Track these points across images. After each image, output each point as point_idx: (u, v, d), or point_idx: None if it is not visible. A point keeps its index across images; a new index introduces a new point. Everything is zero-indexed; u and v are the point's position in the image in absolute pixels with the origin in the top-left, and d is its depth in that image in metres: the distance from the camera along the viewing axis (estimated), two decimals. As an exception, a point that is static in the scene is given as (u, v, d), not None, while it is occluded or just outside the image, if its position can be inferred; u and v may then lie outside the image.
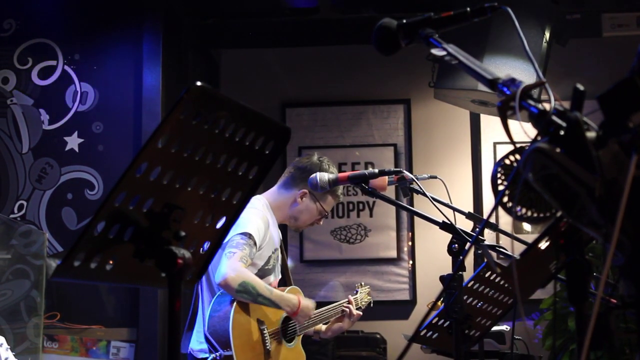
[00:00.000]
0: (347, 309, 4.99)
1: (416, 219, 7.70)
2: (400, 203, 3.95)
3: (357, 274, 7.67)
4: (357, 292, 5.25)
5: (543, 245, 2.57)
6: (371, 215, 7.91)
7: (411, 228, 7.84)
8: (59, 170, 6.67)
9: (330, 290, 7.71)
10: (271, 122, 2.26)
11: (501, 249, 3.61)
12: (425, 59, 6.65)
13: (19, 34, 6.79)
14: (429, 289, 7.62)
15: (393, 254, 7.84)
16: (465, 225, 3.68)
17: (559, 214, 1.83)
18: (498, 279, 3.47)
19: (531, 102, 1.76)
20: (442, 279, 3.40)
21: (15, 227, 6.48)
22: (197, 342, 4.46)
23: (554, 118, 1.70)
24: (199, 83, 1.99)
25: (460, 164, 7.84)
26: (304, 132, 7.93)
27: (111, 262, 2.05)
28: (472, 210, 4.29)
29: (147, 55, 6.68)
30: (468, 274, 3.38)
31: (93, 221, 1.97)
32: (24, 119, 6.72)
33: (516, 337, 5.82)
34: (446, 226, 3.54)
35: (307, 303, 4.64)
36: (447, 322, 3.50)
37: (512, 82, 1.83)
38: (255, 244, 4.40)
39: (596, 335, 1.94)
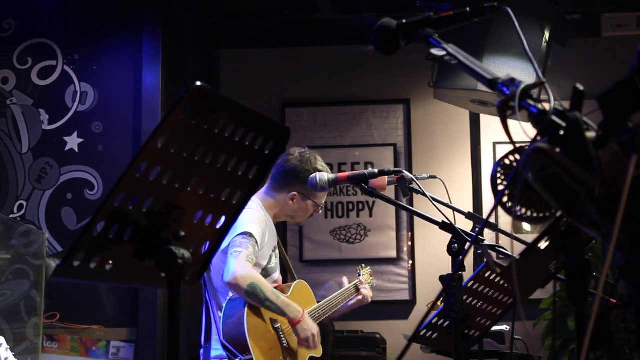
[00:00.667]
0: (362, 291, 5.07)
1: (416, 219, 7.70)
2: (400, 203, 3.96)
3: (356, 273, 7.67)
4: (359, 274, 5.27)
5: (543, 245, 2.57)
6: (371, 215, 7.91)
7: (411, 228, 7.85)
8: (59, 170, 6.66)
9: (328, 290, 7.71)
10: (271, 122, 2.26)
11: (501, 249, 3.61)
12: (425, 58, 6.66)
13: (19, 34, 6.78)
14: (428, 289, 7.62)
15: (393, 254, 7.84)
16: (465, 225, 3.68)
17: (558, 214, 1.83)
18: (498, 279, 3.47)
19: (531, 102, 1.76)
20: (442, 279, 3.40)
21: (15, 227, 6.48)
22: (213, 350, 4.46)
23: (554, 118, 1.70)
24: (198, 83, 1.99)
25: (460, 164, 7.84)
26: (303, 132, 7.92)
27: (111, 262, 2.04)
28: (471, 210, 4.29)
29: (147, 55, 6.67)
30: (468, 274, 3.38)
31: (93, 221, 1.97)
32: (23, 119, 6.72)
33: (516, 337, 5.82)
34: (446, 226, 3.54)
35: (311, 323, 4.62)
36: (447, 322, 3.50)
37: (512, 82, 1.83)
38: (257, 242, 4.41)
39: (596, 335, 1.94)
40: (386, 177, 3.84)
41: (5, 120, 6.71)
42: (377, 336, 7.28)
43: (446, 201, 3.85)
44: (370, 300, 5.17)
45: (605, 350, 2.14)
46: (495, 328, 4.90)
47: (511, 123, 1.78)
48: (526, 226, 7.45)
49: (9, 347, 5.02)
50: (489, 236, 7.12)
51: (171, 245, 2.07)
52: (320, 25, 7.83)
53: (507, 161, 1.82)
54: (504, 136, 1.77)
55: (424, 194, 3.76)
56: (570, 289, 2.27)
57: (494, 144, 7.81)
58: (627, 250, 1.66)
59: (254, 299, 4.31)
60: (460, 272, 3.35)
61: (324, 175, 3.98)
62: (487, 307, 3.60)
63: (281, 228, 7.28)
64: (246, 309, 4.33)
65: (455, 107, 7.13)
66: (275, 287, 4.56)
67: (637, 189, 1.59)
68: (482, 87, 5.92)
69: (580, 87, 1.72)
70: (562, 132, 1.68)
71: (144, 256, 2.06)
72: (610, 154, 1.63)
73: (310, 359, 4.71)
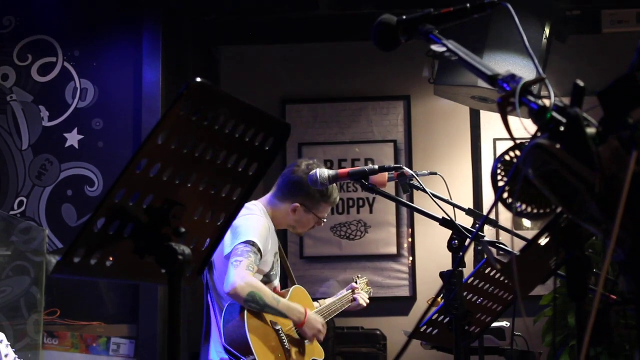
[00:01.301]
0: (357, 298, 5.07)
1: (416, 215, 7.70)
2: (401, 199, 3.95)
3: (357, 270, 7.66)
4: (356, 282, 5.27)
5: (543, 241, 2.57)
6: (371, 212, 7.91)
7: (411, 224, 7.85)
8: (59, 166, 6.67)
9: (329, 288, 7.71)
10: (271, 118, 2.26)
11: (501, 246, 3.61)
12: (426, 55, 6.66)
13: (19, 31, 6.78)
14: (429, 286, 7.62)
15: (393, 250, 7.84)
16: (466, 221, 3.68)
17: (559, 210, 1.83)
18: (498, 275, 3.47)
19: (531, 99, 1.76)
20: (442, 275, 3.40)
21: (15, 223, 6.48)
22: (215, 353, 4.46)
23: (554, 114, 1.70)
24: (198, 79, 1.99)
25: (460, 160, 7.84)
26: (303, 129, 7.92)
27: (111, 258, 2.04)
28: (472, 207, 4.28)
29: (147, 51, 6.67)
30: (468, 270, 3.38)
31: (93, 218, 1.97)
32: (23, 115, 6.72)
33: (516, 333, 5.82)
34: (446, 222, 3.54)
35: (316, 316, 4.64)
36: (447, 319, 3.50)
37: (512, 78, 1.83)
38: (259, 251, 4.40)
39: (596, 331, 1.94)
40: (386, 173, 3.83)
41: (5, 117, 6.71)
42: (378, 332, 7.28)
43: (446, 197, 3.85)
44: (365, 305, 5.16)
45: (606, 346, 2.15)
46: (495, 324, 4.91)
47: (511, 119, 1.78)
48: (526, 222, 7.45)
49: (9, 343, 5.02)
50: (489, 232, 7.12)
51: (171, 242, 2.07)
52: (320, 22, 7.82)
53: (507, 157, 1.82)
54: (504, 132, 1.78)
55: (424, 191, 3.76)
56: (570, 286, 2.27)
57: (494, 140, 7.81)
58: (627, 246, 1.66)
59: (254, 307, 4.32)
60: (460, 269, 3.35)
61: (324, 171, 3.97)
62: (487, 304, 3.60)
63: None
64: (246, 311, 4.34)
65: (456, 104, 7.13)
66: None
67: (638, 185, 1.59)
68: (482, 83, 5.91)
69: (581, 84, 1.72)
70: (562, 129, 1.68)
71: (145, 253, 2.06)
72: (610, 150, 1.63)
73: None
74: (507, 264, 3.31)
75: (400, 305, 7.76)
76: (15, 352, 5.00)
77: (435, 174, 4.17)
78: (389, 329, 7.34)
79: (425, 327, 3.56)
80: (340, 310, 5.06)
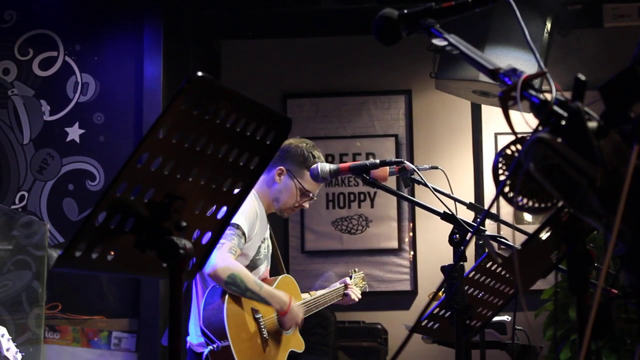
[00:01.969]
0: (349, 294, 5.06)
1: (417, 209, 7.71)
2: (402, 193, 3.95)
3: (358, 264, 7.66)
4: (352, 277, 5.25)
5: (544, 235, 2.57)
6: (372, 206, 7.91)
7: (412, 218, 7.85)
8: (60, 161, 6.67)
9: (327, 280, 7.71)
10: (272, 112, 2.26)
11: (502, 240, 3.61)
12: (427, 49, 6.66)
13: (20, 25, 6.78)
14: (430, 280, 7.63)
15: (394, 244, 7.84)
16: (467, 215, 3.69)
17: (560, 204, 1.83)
18: (499, 269, 3.47)
19: (532, 92, 1.76)
20: (443, 269, 3.40)
21: (17, 218, 6.49)
22: (195, 336, 4.46)
23: (555, 108, 1.70)
24: (200, 73, 1.99)
25: (462, 154, 7.84)
26: (304, 123, 7.92)
27: (112, 252, 2.05)
28: (473, 201, 4.29)
29: (148, 46, 6.68)
30: (469, 264, 3.38)
31: (94, 212, 1.97)
32: (25, 110, 6.72)
33: (517, 327, 5.83)
34: (447, 217, 3.54)
35: (299, 309, 4.64)
36: (448, 313, 3.50)
37: (514, 72, 1.83)
38: (243, 234, 4.40)
39: (597, 325, 1.94)
40: (387, 167, 3.83)
41: (6, 111, 6.72)
42: (379, 326, 7.28)
43: (447, 192, 3.86)
44: (357, 301, 5.14)
45: (607, 340, 2.15)
46: (496, 318, 4.90)
47: (513, 113, 1.78)
48: (527, 216, 7.45)
49: (10, 337, 5.03)
50: (490, 227, 7.13)
51: (172, 236, 2.07)
52: (322, 16, 7.82)
53: (508, 151, 1.82)
54: (505, 126, 1.77)
55: (425, 185, 3.77)
56: (571, 280, 2.27)
57: (496, 134, 7.81)
58: (628, 240, 1.66)
59: (234, 290, 4.31)
60: (461, 263, 3.35)
61: (326, 165, 3.97)
62: (488, 298, 3.60)
63: (283, 219, 7.27)
64: (227, 296, 4.34)
65: (457, 98, 7.13)
66: (262, 280, 4.55)
67: (639, 179, 1.59)
68: (483, 77, 5.91)
69: (582, 77, 1.72)
70: (563, 123, 1.68)
71: (146, 246, 2.06)
72: (611, 144, 1.63)
73: (290, 353, 4.71)
74: (508, 258, 3.31)
75: (401, 299, 7.77)
76: (17, 346, 5.01)
77: (437, 168, 4.17)
78: (389, 323, 7.34)
79: (426, 321, 3.56)
80: (329, 304, 5.05)
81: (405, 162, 3.93)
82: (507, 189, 1.81)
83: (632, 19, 7.29)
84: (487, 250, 3.47)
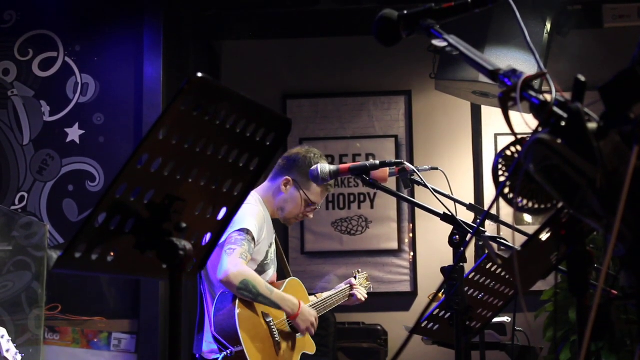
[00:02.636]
0: (355, 294, 5.07)
1: (417, 210, 7.71)
2: (401, 194, 3.95)
3: (358, 265, 7.66)
4: (356, 277, 5.26)
5: (544, 236, 2.57)
6: (372, 207, 7.91)
7: (412, 219, 7.85)
8: (60, 161, 6.67)
9: (328, 282, 7.72)
10: (272, 113, 2.26)
11: (502, 241, 3.61)
12: (427, 50, 6.66)
13: (20, 26, 6.78)
14: (429, 281, 7.63)
15: (394, 245, 7.84)
16: (466, 216, 3.68)
17: (560, 205, 1.83)
18: (499, 270, 3.47)
19: (532, 93, 1.76)
20: (443, 270, 3.40)
21: (17, 218, 6.48)
22: (206, 344, 4.46)
23: (555, 109, 1.70)
24: (200, 74, 1.99)
25: (461, 155, 7.84)
26: (304, 124, 7.93)
27: (112, 253, 2.05)
28: (473, 202, 4.29)
29: (148, 46, 6.67)
30: (469, 265, 3.38)
31: (94, 213, 1.97)
32: (24, 110, 6.72)
33: (517, 328, 5.83)
34: (447, 217, 3.54)
35: (310, 309, 4.64)
36: (448, 314, 3.50)
37: (513, 73, 1.83)
38: (253, 239, 4.40)
39: (597, 326, 1.94)
40: (387, 168, 3.83)
41: (6, 112, 6.72)
42: (379, 328, 7.29)
43: (447, 193, 3.86)
44: (363, 301, 5.15)
45: (607, 341, 2.15)
46: (496, 319, 4.91)
47: (512, 114, 1.78)
48: (527, 217, 7.45)
49: (10, 338, 5.02)
50: (490, 228, 7.13)
51: (172, 237, 2.07)
52: (322, 16, 7.82)
53: (508, 152, 1.82)
54: (505, 127, 1.77)
55: (425, 186, 3.76)
56: (571, 281, 2.27)
57: (495, 135, 7.81)
58: (628, 241, 1.66)
59: (246, 296, 4.31)
60: (461, 264, 3.35)
61: (325, 166, 3.97)
62: (488, 299, 3.60)
63: (282, 219, 7.28)
64: (237, 301, 4.33)
65: (457, 99, 7.13)
66: (270, 284, 4.55)
67: (639, 180, 1.59)
68: (483, 78, 5.92)
69: (582, 78, 1.72)
70: (563, 123, 1.68)
71: (146, 248, 2.06)
72: (611, 145, 1.63)
73: (303, 355, 4.71)
74: (508, 259, 3.31)
75: (401, 301, 7.77)
76: (17, 347, 5.01)
77: (436, 169, 4.17)
78: (389, 324, 7.35)
79: (426, 322, 3.56)
80: (336, 305, 5.05)
81: (405, 163, 3.92)
82: (507, 190, 1.80)
83: (632, 19, 7.29)
84: (487, 252, 3.47)
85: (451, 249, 3.49)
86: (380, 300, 7.48)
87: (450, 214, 3.53)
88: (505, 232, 6.86)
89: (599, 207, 1.65)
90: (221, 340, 4.28)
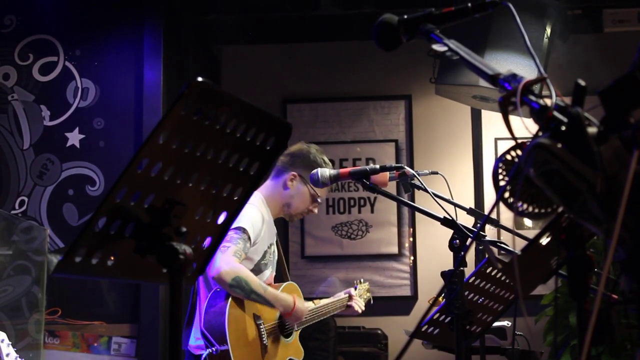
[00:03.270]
0: (352, 305, 5.05)
1: (417, 214, 7.70)
2: (402, 199, 3.95)
3: (358, 269, 7.68)
4: (356, 288, 5.25)
5: (544, 241, 2.57)
6: (372, 211, 7.91)
7: (412, 224, 7.85)
8: (60, 166, 6.67)
9: (330, 285, 7.72)
10: (272, 118, 2.26)
11: (502, 245, 3.61)
12: (427, 54, 6.66)
13: (20, 30, 6.79)
14: (430, 285, 7.63)
15: (394, 249, 7.84)
16: (467, 221, 3.68)
17: (560, 209, 1.83)
18: (499, 274, 3.47)
19: (532, 98, 1.76)
20: (443, 274, 3.39)
21: (17, 223, 6.48)
22: (194, 338, 4.46)
23: (555, 113, 1.70)
24: (200, 79, 1.99)
25: (462, 159, 7.84)
26: (304, 128, 7.93)
27: (112, 258, 2.05)
28: (473, 206, 4.30)
29: (148, 51, 6.68)
30: (469, 269, 3.38)
31: (94, 217, 1.97)
32: (25, 115, 6.72)
33: (517, 332, 5.82)
34: (447, 222, 3.54)
35: (302, 307, 4.64)
36: (449, 318, 3.49)
37: (513, 77, 1.83)
38: (249, 238, 4.40)
39: (597, 330, 1.94)
40: (387, 172, 3.83)
41: (6, 116, 6.72)
42: (379, 332, 7.28)
43: (447, 197, 3.85)
44: (360, 312, 5.14)
45: (607, 345, 2.15)
46: (496, 324, 4.91)
47: (513, 119, 1.78)
48: (527, 222, 7.45)
49: (10, 343, 5.02)
50: (490, 232, 7.12)
51: (173, 241, 2.07)
52: (321, 21, 7.82)
53: (508, 157, 1.82)
54: (505, 132, 1.77)
55: (425, 190, 3.76)
56: (571, 285, 2.27)
57: (496, 139, 7.81)
58: (628, 245, 1.66)
59: (239, 293, 4.32)
60: (461, 268, 3.35)
61: (326, 170, 3.97)
62: (488, 303, 3.60)
63: (282, 224, 7.27)
64: (230, 300, 4.34)
65: (457, 103, 7.13)
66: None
67: (639, 185, 1.59)
68: (483, 82, 5.92)
69: (582, 83, 1.72)
70: (563, 128, 1.68)
71: (146, 252, 2.06)
72: (611, 150, 1.63)
73: None
74: (508, 264, 3.31)
75: (402, 305, 7.76)
76: (17, 352, 5.01)
77: (437, 173, 4.17)
78: (390, 329, 7.34)
79: (426, 326, 3.56)
80: (333, 313, 5.05)
81: (405, 167, 3.92)
82: (507, 195, 1.80)
83: (632, 24, 7.29)
84: (487, 256, 3.47)
85: (451, 253, 3.49)
86: (381, 305, 7.47)
87: (450, 218, 3.53)
88: (506, 237, 6.85)
89: (599, 211, 1.66)
90: (208, 336, 4.28)
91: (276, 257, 4.82)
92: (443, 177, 4.09)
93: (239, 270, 4.31)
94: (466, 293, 3.40)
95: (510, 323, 5.58)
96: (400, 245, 7.84)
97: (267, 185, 4.83)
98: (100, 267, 2.02)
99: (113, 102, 6.73)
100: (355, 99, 8.02)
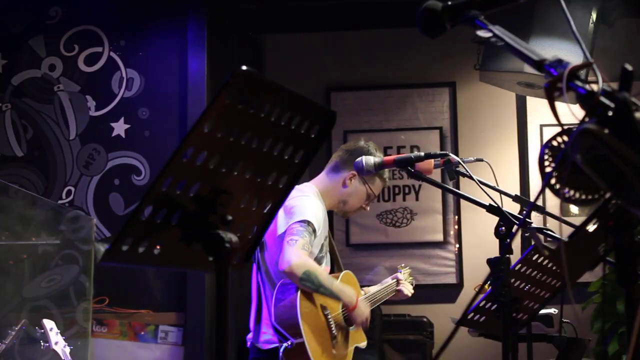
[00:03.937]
0: (401, 289, 5.06)
1: (462, 202, 7.68)
2: (447, 186, 3.95)
3: (403, 257, 7.66)
4: (400, 272, 5.26)
5: (591, 227, 2.55)
6: (417, 199, 7.89)
7: (457, 211, 7.82)
8: (106, 156, 6.72)
9: (376, 274, 7.71)
10: (316, 106, 2.26)
11: (549, 232, 3.59)
12: (471, 41, 6.62)
13: (65, 22, 6.84)
14: (475, 272, 7.60)
15: (439, 237, 7.82)
16: (512, 208, 3.66)
17: (607, 195, 1.81)
18: (546, 261, 3.45)
19: (579, 83, 1.75)
20: (489, 262, 3.38)
21: (64, 213, 6.55)
22: (261, 333, 4.47)
23: (602, 99, 1.68)
24: (244, 67, 1.99)
25: (507, 146, 7.80)
26: (348, 116, 7.92)
27: (159, 246, 2.06)
28: (518, 193, 4.26)
29: (192, 40, 6.70)
30: (515, 257, 3.37)
31: (140, 206, 1.98)
32: (70, 105, 6.78)
33: (564, 320, 5.79)
34: (493, 209, 3.52)
35: (365, 303, 4.65)
36: (495, 306, 3.48)
37: (559, 63, 1.82)
38: (314, 231, 4.41)
39: (646, 318, 1.92)
40: (432, 160, 3.82)
41: (52, 107, 6.78)
42: (424, 320, 7.27)
43: (493, 184, 3.83)
44: (410, 296, 5.14)
45: (656, 333, 2.13)
46: (543, 311, 4.88)
47: (559, 105, 1.77)
48: (574, 208, 7.40)
49: (59, 331, 5.08)
50: (536, 219, 7.08)
51: (218, 230, 2.08)
52: (365, 8, 7.80)
53: (554, 143, 1.81)
54: (551, 119, 1.76)
55: (470, 177, 3.74)
56: (619, 272, 2.25)
57: (541, 126, 7.75)
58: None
59: (308, 286, 4.32)
60: (507, 255, 3.34)
61: (370, 158, 3.97)
62: (535, 290, 3.58)
63: (328, 213, 7.27)
64: (299, 292, 4.35)
65: (501, 90, 7.09)
66: None
67: (688, 170, 1.57)
68: (528, 68, 5.87)
69: (629, 68, 1.70)
70: (610, 113, 1.67)
71: (192, 240, 2.07)
72: (659, 135, 1.62)
73: (355, 348, 4.72)
74: (554, 251, 3.29)
75: (447, 293, 7.75)
76: (65, 340, 5.07)
77: (482, 160, 4.15)
78: (435, 316, 7.33)
79: (472, 314, 3.55)
80: (384, 300, 5.05)
81: (450, 154, 3.91)
82: (553, 181, 1.79)
83: (680, 7, 7.20)
84: (533, 243, 3.45)
85: (497, 240, 3.48)
86: (426, 292, 7.46)
87: (496, 205, 3.52)
88: (552, 224, 6.81)
89: (647, 197, 1.64)
90: (281, 331, 4.29)
91: (328, 249, 4.83)
92: (488, 164, 4.06)
93: (309, 263, 4.32)
94: (512, 280, 3.39)
95: (557, 310, 5.54)
96: (446, 232, 7.82)
97: (323, 178, 4.83)
98: (146, 255, 2.03)
99: (158, 92, 6.76)
100: (399, 87, 8.00)
